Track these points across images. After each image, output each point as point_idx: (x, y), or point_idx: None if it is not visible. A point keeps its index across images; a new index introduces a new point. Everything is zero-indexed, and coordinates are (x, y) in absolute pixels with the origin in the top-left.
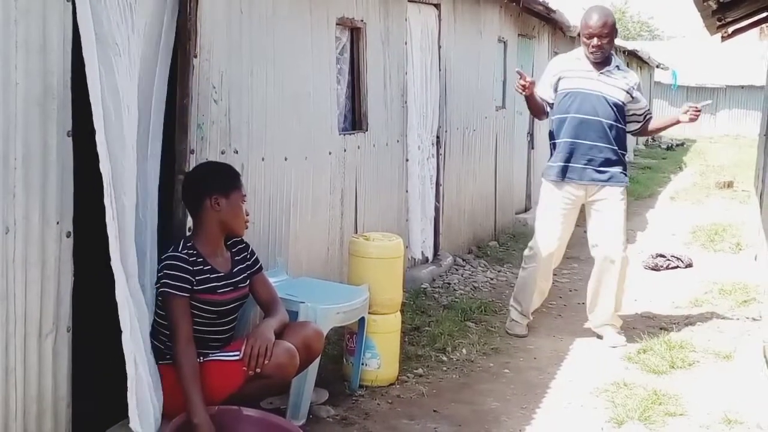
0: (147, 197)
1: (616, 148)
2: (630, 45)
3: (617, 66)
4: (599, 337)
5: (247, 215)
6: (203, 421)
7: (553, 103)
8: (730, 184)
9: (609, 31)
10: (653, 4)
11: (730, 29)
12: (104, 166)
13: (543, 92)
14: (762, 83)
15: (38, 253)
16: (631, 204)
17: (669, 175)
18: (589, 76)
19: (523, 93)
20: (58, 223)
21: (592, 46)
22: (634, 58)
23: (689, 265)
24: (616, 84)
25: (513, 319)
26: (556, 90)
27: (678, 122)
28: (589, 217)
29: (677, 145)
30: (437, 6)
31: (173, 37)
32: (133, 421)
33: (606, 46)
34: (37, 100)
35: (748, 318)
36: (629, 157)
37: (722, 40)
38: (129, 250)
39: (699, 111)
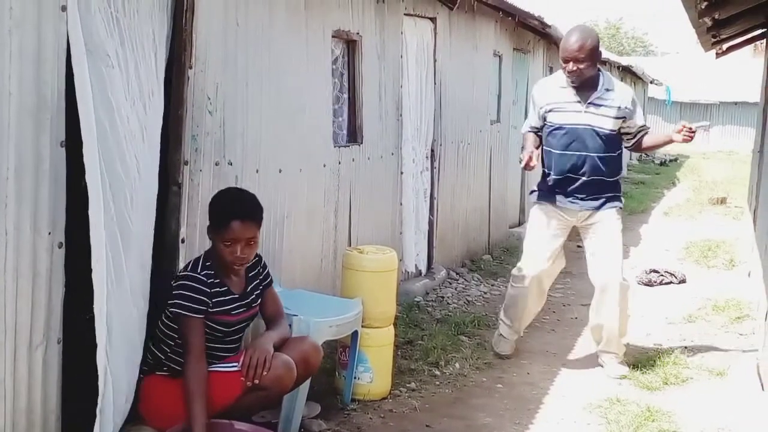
0: (147, 208)
1: (609, 177)
2: (624, 61)
3: (606, 88)
4: (600, 364)
5: (242, 257)
6: None
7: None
8: (723, 200)
9: (586, 55)
10: (648, 20)
11: (725, 46)
12: (91, 178)
13: (534, 122)
14: (756, 100)
15: (29, 264)
16: (624, 219)
17: (662, 190)
18: (576, 108)
19: (533, 167)
20: (49, 233)
21: (568, 71)
22: (628, 73)
23: (683, 281)
24: (606, 113)
25: (501, 335)
26: (544, 120)
27: (671, 141)
28: (585, 240)
29: (671, 161)
30: (433, 20)
31: (168, 49)
32: None
33: (585, 70)
34: (31, 110)
35: (741, 335)
36: (622, 172)
37: (716, 57)
38: (132, 261)
39: (693, 132)
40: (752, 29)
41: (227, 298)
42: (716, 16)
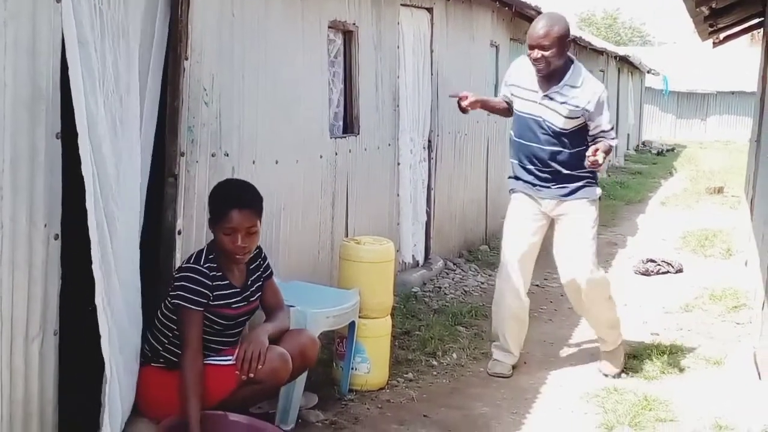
0: (132, 201)
1: (570, 171)
2: (621, 50)
3: (570, 84)
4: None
5: (243, 246)
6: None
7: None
8: (720, 190)
9: (552, 42)
10: (645, 10)
11: (722, 35)
12: (86, 170)
13: (505, 92)
14: (752, 89)
15: (25, 256)
16: (621, 209)
17: (659, 180)
18: (532, 97)
19: (466, 109)
20: (45, 225)
21: (533, 59)
22: (625, 63)
23: (680, 271)
24: (558, 109)
25: (495, 359)
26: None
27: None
28: (554, 234)
29: (668, 150)
30: (429, 10)
31: (165, 41)
32: (105, 425)
33: (551, 59)
34: (26, 102)
35: (738, 324)
36: (620, 162)
37: (713, 46)
38: (119, 253)
39: (597, 162)
40: (749, 18)
41: (228, 291)
42: (713, 5)
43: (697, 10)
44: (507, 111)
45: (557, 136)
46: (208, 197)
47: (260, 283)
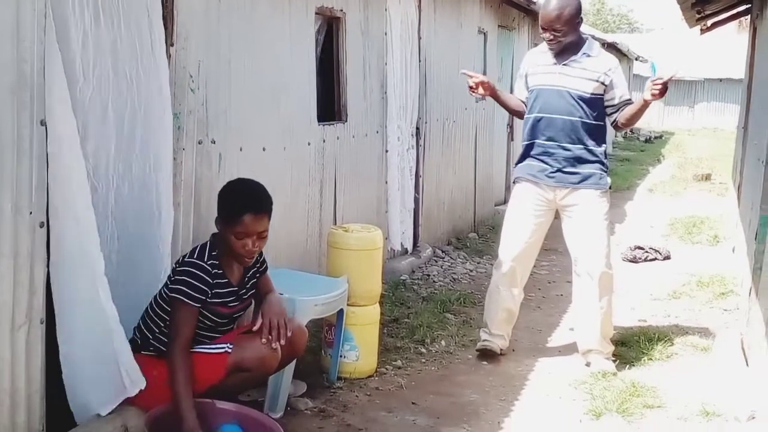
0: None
1: (588, 146)
2: (609, 37)
3: (586, 53)
4: (586, 364)
5: (253, 250)
6: (193, 428)
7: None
8: (708, 177)
9: (564, 23)
10: None
11: (709, 22)
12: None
13: (519, 93)
14: (740, 76)
15: (11, 244)
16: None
17: (647, 167)
18: (550, 70)
19: (478, 94)
20: (31, 213)
21: (548, 40)
22: (613, 50)
23: (667, 258)
24: (581, 75)
25: (484, 339)
26: (527, 82)
27: (646, 103)
28: (563, 224)
29: (655, 138)
30: None
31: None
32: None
33: (564, 38)
34: (11, 88)
35: (725, 310)
36: (607, 149)
37: (701, 33)
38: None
39: (664, 83)
40: (736, 5)
41: (226, 290)
42: None
43: None
44: (517, 108)
45: (580, 103)
46: (219, 196)
47: (255, 279)
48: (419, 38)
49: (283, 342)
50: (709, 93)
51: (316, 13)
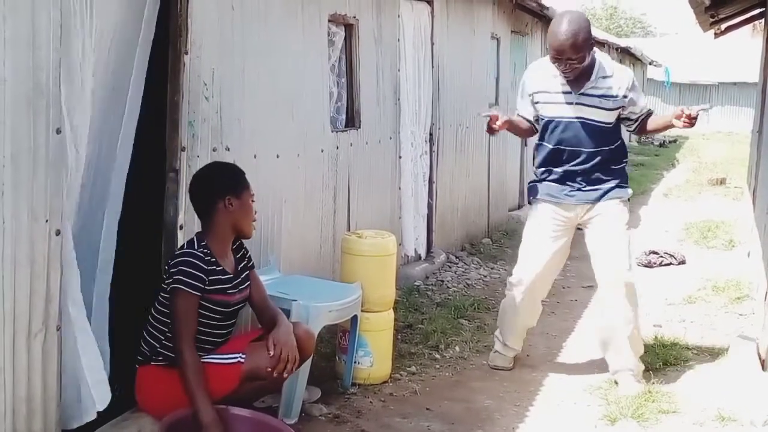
0: (109, 197)
1: (610, 167)
2: (623, 42)
3: (602, 75)
4: (615, 382)
5: (255, 214)
6: (212, 420)
7: (534, 119)
8: (722, 181)
9: (578, 49)
10: (646, 1)
11: (723, 26)
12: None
13: (523, 110)
14: (755, 80)
15: (27, 252)
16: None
17: (662, 171)
18: (566, 99)
19: (496, 131)
20: (47, 221)
21: (562, 70)
22: (626, 55)
23: (682, 262)
24: (601, 104)
25: (496, 351)
26: (534, 106)
27: (672, 126)
28: (586, 237)
29: (670, 142)
30: (430, 2)
31: (151, 37)
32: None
33: (578, 65)
34: (27, 97)
35: (741, 315)
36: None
37: (715, 37)
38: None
39: (694, 118)
40: (750, 9)
41: (223, 277)
42: None
43: (698, 0)
44: (530, 131)
45: (601, 133)
46: (212, 178)
47: (246, 272)
48: (432, 44)
49: (286, 375)
50: (724, 97)
51: (330, 21)
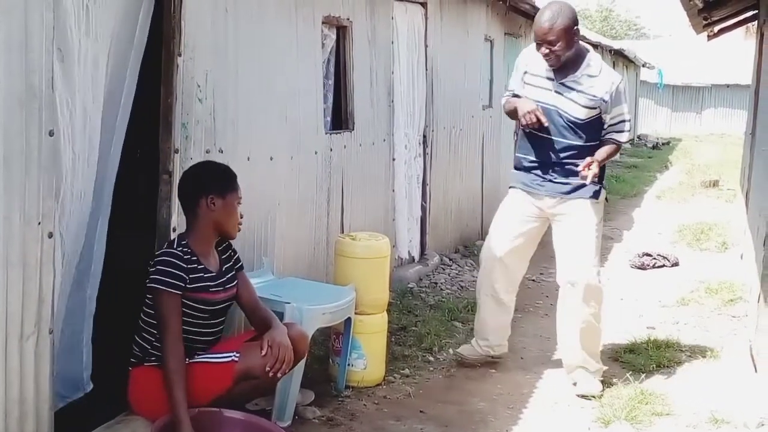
0: (103, 198)
1: (579, 164)
2: (616, 44)
3: (587, 74)
4: (573, 384)
5: (241, 218)
6: (183, 422)
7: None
8: (715, 183)
9: (558, 36)
10: (640, 3)
11: (716, 28)
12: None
13: (517, 88)
14: (747, 82)
15: (19, 254)
16: (617, 202)
17: (655, 173)
18: (546, 85)
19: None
20: (39, 223)
21: (543, 54)
22: (620, 57)
23: (675, 264)
24: (577, 99)
25: (469, 342)
26: (524, 84)
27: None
28: (553, 235)
29: (663, 144)
30: (423, 5)
31: (145, 39)
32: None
33: (559, 52)
34: (20, 99)
35: (734, 317)
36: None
37: (708, 39)
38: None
39: (586, 177)
40: (743, 11)
41: (205, 275)
42: None
43: (691, 2)
44: None
45: (573, 127)
46: (201, 177)
47: (233, 273)
48: (426, 46)
49: (280, 375)
50: (717, 99)
51: (323, 22)
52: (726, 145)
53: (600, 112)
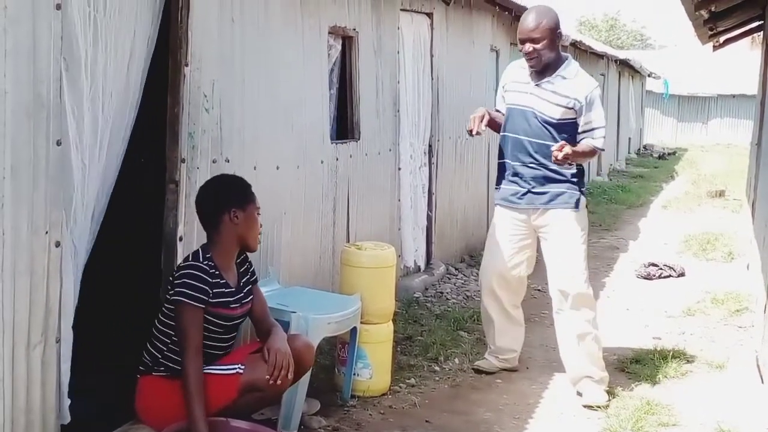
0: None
1: (554, 168)
2: (622, 54)
3: (561, 75)
4: (578, 394)
5: (261, 227)
6: None
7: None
8: (721, 193)
9: (542, 34)
10: (645, 13)
11: (722, 38)
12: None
13: (499, 104)
14: (753, 92)
15: (27, 263)
16: (623, 212)
17: (661, 183)
18: (524, 89)
19: (478, 131)
20: (46, 232)
21: (525, 53)
22: (626, 67)
23: (682, 274)
24: (550, 99)
25: (484, 356)
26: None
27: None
28: (542, 249)
29: (669, 154)
30: (429, 15)
31: (152, 49)
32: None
33: (542, 52)
34: (27, 109)
35: (740, 327)
36: (621, 166)
37: (714, 50)
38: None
39: (558, 158)
40: (749, 21)
41: (226, 290)
42: (712, 9)
43: (697, 13)
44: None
45: (547, 128)
46: (220, 190)
47: (250, 287)
48: (432, 56)
49: (280, 383)
50: (723, 109)
51: (330, 32)
52: (732, 155)
53: (575, 116)
